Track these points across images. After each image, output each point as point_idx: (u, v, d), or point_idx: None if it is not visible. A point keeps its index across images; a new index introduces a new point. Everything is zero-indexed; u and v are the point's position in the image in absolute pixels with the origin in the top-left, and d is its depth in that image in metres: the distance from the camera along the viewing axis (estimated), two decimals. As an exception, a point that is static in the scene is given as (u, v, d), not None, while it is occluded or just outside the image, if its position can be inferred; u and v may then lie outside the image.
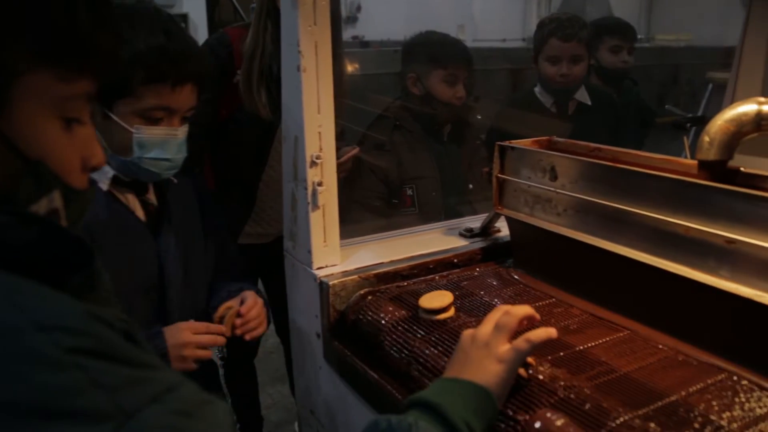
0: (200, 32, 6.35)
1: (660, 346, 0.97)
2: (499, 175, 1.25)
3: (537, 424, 0.79)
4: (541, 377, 0.88)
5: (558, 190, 1.13)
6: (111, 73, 0.64)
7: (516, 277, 1.23)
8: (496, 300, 1.14)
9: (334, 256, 1.25)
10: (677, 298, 0.97)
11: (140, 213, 1.17)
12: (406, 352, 1.02)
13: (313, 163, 1.18)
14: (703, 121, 2.53)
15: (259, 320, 1.23)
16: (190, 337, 1.12)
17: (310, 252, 1.23)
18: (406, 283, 1.22)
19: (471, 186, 2.04)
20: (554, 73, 2.14)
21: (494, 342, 0.83)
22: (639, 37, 3.24)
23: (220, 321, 1.18)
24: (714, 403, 0.83)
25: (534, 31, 2.24)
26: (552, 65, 2.14)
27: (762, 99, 0.96)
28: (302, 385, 1.41)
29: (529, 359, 0.88)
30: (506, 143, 1.24)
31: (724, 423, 0.78)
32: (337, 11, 1.89)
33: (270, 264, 1.99)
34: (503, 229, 1.38)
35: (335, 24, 1.90)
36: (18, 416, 0.45)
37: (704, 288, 0.91)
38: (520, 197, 1.22)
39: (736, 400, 0.83)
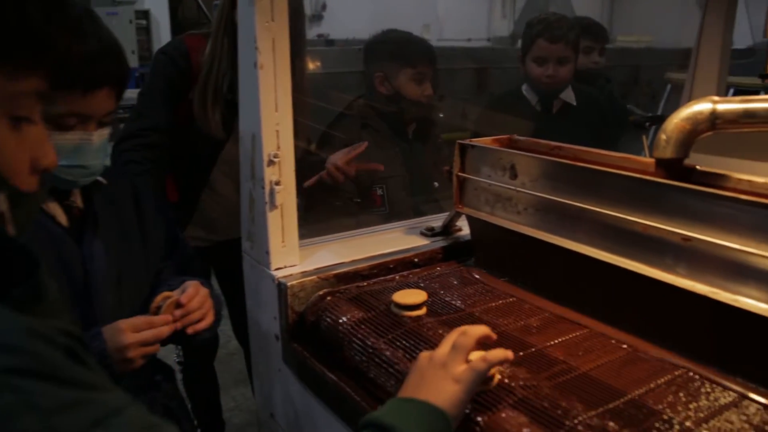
0: (162, 29, 6.26)
1: (618, 344, 0.98)
2: (460, 174, 1.24)
3: (496, 425, 0.78)
4: (500, 377, 0.87)
5: (518, 189, 1.13)
6: (64, 71, 0.61)
7: (477, 276, 1.23)
8: (457, 300, 1.13)
9: (293, 256, 1.23)
10: (636, 296, 0.98)
11: (62, 218, 1.08)
12: (367, 354, 1.01)
13: (271, 162, 1.16)
14: (661, 120, 2.56)
15: (202, 312, 1.11)
16: (132, 338, 1.03)
17: (268, 252, 1.20)
18: (366, 284, 1.20)
19: (437, 184, 2.03)
20: (540, 74, 2.13)
21: (451, 362, 0.80)
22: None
23: (156, 312, 1.08)
24: (670, 399, 0.83)
25: (494, 31, 2.24)
26: (538, 66, 2.13)
27: (716, 98, 0.96)
28: (261, 388, 1.39)
29: (495, 372, 0.87)
30: (466, 141, 1.23)
31: (679, 419, 0.78)
32: (301, 9, 1.87)
33: (221, 264, 1.97)
34: (464, 228, 1.38)
35: (299, 22, 1.89)
36: None
37: (661, 285, 0.92)
38: (480, 196, 1.21)
39: (692, 396, 0.84)
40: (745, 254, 0.83)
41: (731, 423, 0.78)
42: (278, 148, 1.16)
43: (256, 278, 1.28)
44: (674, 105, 2.84)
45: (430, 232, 1.38)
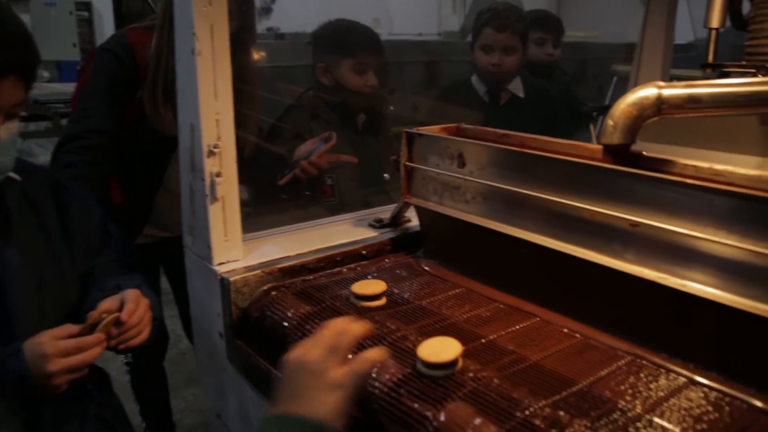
0: (105, 21, 6.07)
1: (570, 333, 0.96)
2: (407, 163, 1.22)
3: (444, 419, 0.76)
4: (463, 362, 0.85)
5: (466, 177, 1.10)
6: None
7: (426, 267, 1.20)
8: (406, 292, 1.10)
9: (236, 250, 1.19)
10: (585, 284, 0.97)
11: None
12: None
13: (211, 153, 1.11)
14: (609, 110, 2.59)
15: (139, 328, 1.03)
16: (58, 365, 0.92)
17: (209, 247, 1.16)
18: (312, 277, 1.17)
19: (387, 176, 2.01)
20: (487, 63, 2.14)
21: (329, 367, 0.73)
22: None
23: (92, 329, 0.97)
24: (621, 387, 0.82)
25: (445, 26, 2.24)
26: (485, 54, 2.14)
27: (662, 83, 0.96)
28: (208, 388, 1.34)
29: (459, 356, 0.84)
30: (413, 130, 1.20)
31: (630, 406, 0.77)
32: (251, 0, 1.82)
33: (171, 260, 1.91)
34: (414, 218, 1.35)
35: (248, 12, 1.84)
36: None
37: (610, 272, 0.91)
38: (428, 185, 1.19)
39: (642, 382, 0.83)
40: (691, 239, 0.83)
41: (680, 408, 0.77)
42: (218, 138, 1.12)
43: (198, 274, 1.23)
44: (620, 96, 2.86)
45: (378, 224, 1.36)
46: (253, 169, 1.83)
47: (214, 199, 1.13)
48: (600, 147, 1.01)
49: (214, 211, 1.14)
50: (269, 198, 1.91)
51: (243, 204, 1.90)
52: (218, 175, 1.12)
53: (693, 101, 0.93)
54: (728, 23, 1.57)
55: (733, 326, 0.81)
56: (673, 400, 0.79)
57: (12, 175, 1.02)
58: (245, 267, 1.15)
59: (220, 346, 1.19)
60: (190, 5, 1.06)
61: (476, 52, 2.17)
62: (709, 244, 0.81)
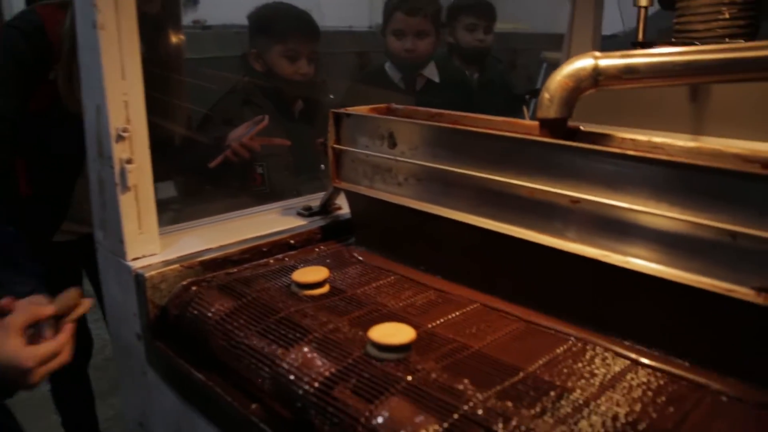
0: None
1: (511, 318, 0.92)
2: (335, 146, 1.15)
3: (380, 418, 0.69)
4: (379, 367, 0.78)
5: (397, 158, 1.04)
6: None
7: (358, 256, 1.14)
8: (336, 282, 1.03)
9: (153, 244, 1.09)
10: (525, 265, 0.92)
11: None
12: (239, 348, 0.89)
13: (120, 138, 1.01)
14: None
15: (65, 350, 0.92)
16: (39, 375, 0.86)
17: (122, 241, 1.06)
18: (236, 270, 1.09)
19: (323, 167, 1.94)
20: (399, 48, 2.10)
21: None
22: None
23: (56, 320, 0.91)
24: (567, 371, 0.77)
25: (376, 18, 2.19)
26: (397, 39, 2.10)
27: (598, 53, 0.92)
28: (128, 395, 1.24)
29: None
30: (341, 110, 1.13)
31: (579, 391, 0.73)
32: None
33: (92, 258, 1.79)
34: (345, 206, 1.28)
35: (174, 2, 1.73)
36: None
37: (552, 252, 0.86)
38: (358, 168, 1.12)
39: (589, 366, 0.79)
40: (633, 213, 0.79)
41: (628, 390, 0.73)
42: (128, 121, 1.02)
43: (111, 271, 1.13)
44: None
45: (307, 212, 1.28)
46: (183, 159, 1.74)
47: (126, 188, 1.03)
48: (536, 123, 0.97)
49: (126, 202, 1.04)
50: (198, 191, 1.83)
51: (172, 201, 1.81)
52: (129, 161, 1.02)
53: (630, 71, 0.89)
54: (657, 6, 1.57)
55: (678, 303, 0.78)
56: (621, 383, 0.75)
57: None
58: (163, 261, 1.06)
59: (139, 349, 1.10)
60: (89, -27, 0.96)
61: (388, 38, 2.13)
62: (651, 218, 0.78)
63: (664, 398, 0.72)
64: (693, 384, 0.75)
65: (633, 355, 0.81)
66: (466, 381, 0.74)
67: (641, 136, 0.90)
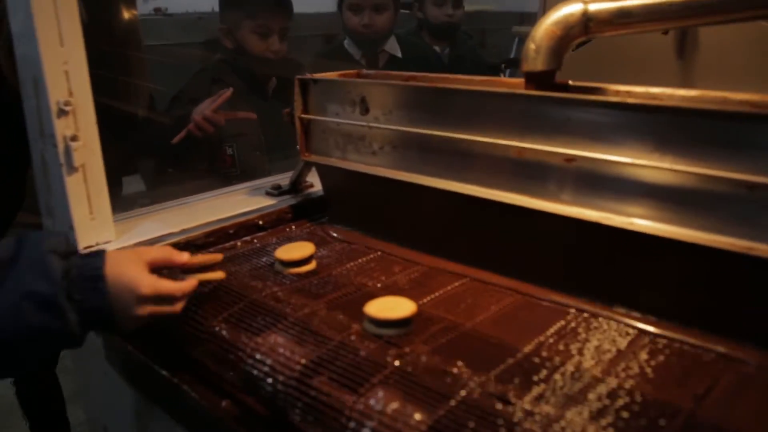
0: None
1: (504, 291, 0.84)
2: (303, 116, 1.05)
3: (363, 407, 0.61)
4: (362, 353, 0.70)
5: (371, 125, 0.95)
6: None
7: (333, 234, 1.05)
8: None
9: (107, 231, 0.99)
10: (518, 234, 0.84)
11: None
12: (206, 339, 0.80)
13: (62, 112, 0.91)
14: (516, 63, 2.52)
15: None
16: (146, 310, 0.77)
17: (72, 228, 0.95)
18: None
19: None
20: (357, 23, 2.02)
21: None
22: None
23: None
24: (572, 346, 0.69)
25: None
26: (354, 14, 2.01)
27: (586, -1, 0.84)
28: (89, 397, 1.14)
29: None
30: (307, 76, 1.04)
31: (587, 367, 0.65)
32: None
33: None
34: (317, 183, 1.19)
35: None
36: None
37: (546, 217, 0.78)
38: (329, 139, 1.03)
39: (593, 339, 0.71)
40: (636, 169, 0.71)
41: (640, 365, 0.66)
42: (70, 94, 0.91)
43: (62, 263, 1.02)
44: (524, 52, 2.83)
45: (276, 191, 1.19)
46: (145, 139, 1.65)
47: (72, 168, 0.93)
48: (520, 81, 0.89)
49: (74, 184, 0.94)
50: (166, 178, 1.73)
51: (141, 196, 1.71)
52: (74, 138, 0.92)
53: (623, 15, 0.81)
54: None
55: (690, 266, 0.70)
56: (632, 357, 0.68)
57: None
58: (118, 249, 0.96)
59: (96, 346, 1.00)
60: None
61: (345, 13, 2.04)
62: (656, 173, 0.70)
63: (683, 370, 0.65)
64: (712, 353, 0.68)
65: (642, 325, 0.74)
66: (458, 364, 0.66)
67: (638, 88, 0.82)
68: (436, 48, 2.39)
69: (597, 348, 0.69)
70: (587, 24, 0.82)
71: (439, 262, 0.92)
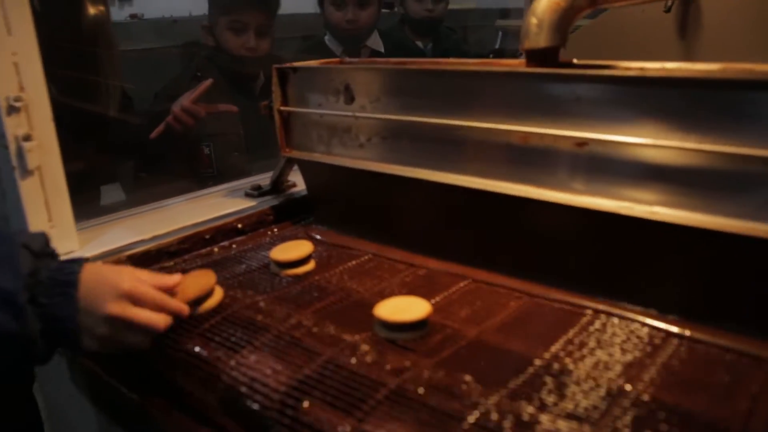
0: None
1: (510, 293, 0.75)
2: (282, 108, 0.97)
3: (362, 437, 0.52)
4: (357, 369, 0.61)
5: (357, 115, 0.87)
6: None
7: (318, 236, 0.96)
8: (296, 267, 0.86)
9: (69, 239, 0.90)
10: (524, 230, 0.76)
11: None
12: (177, 358, 0.71)
13: (12, 109, 0.82)
14: (503, 54, 2.46)
15: None
16: (118, 308, 0.66)
17: (28, 237, 0.86)
18: (173, 263, 0.90)
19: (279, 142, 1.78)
20: (340, 19, 1.95)
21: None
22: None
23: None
24: (597, 352, 0.61)
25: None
26: (337, 10, 1.94)
27: (590, -32, 0.76)
28: (54, 422, 1.05)
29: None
30: (286, 66, 0.95)
31: (613, 377, 0.57)
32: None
33: None
34: (300, 182, 1.11)
35: None
36: None
37: (556, 209, 0.70)
38: (311, 132, 0.94)
39: (614, 343, 0.63)
40: (656, 151, 0.63)
41: (669, 370, 0.58)
42: (21, 88, 0.82)
43: (21, 276, 0.93)
44: (510, 44, 2.77)
45: (256, 192, 1.10)
46: (121, 138, 1.56)
47: (26, 171, 0.84)
48: (520, 61, 0.81)
49: (29, 188, 0.85)
50: (144, 179, 1.65)
51: (120, 207, 1.62)
52: (27, 138, 0.83)
53: (634, -17, 0.73)
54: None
55: (721, 258, 0.62)
56: (660, 361, 0.60)
57: None
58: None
59: (61, 367, 0.91)
60: None
61: (327, 9, 1.97)
62: (679, 155, 0.62)
63: (718, 379, 0.57)
64: (745, 355, 0.60)
65: (666, 326, 0.66)
66: (466, 380, 0.58)
67: (652, 64, 0.75)
68: (419, 43, 2.32)
69: (622, 350, 0.61)
70: (594, -6, 0.74)
71: (436, 263, 0.84)
